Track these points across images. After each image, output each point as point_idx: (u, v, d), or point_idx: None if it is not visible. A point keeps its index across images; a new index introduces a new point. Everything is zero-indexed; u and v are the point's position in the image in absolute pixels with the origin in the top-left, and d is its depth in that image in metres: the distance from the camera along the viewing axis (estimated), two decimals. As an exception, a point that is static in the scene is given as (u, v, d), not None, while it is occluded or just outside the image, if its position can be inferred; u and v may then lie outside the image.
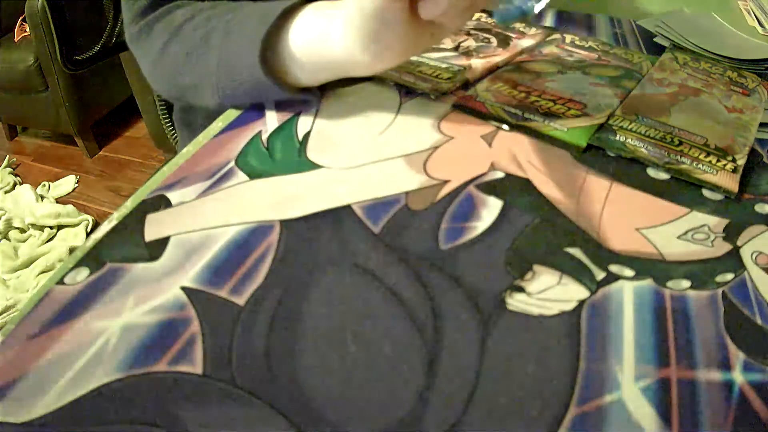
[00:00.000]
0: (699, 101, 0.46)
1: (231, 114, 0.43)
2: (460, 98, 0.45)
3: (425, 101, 0.45)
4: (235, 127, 0.42)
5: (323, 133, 0.41)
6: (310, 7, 0.39)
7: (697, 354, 0.28)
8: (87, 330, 0.28)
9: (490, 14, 0.61)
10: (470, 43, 0.54)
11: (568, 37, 0.57)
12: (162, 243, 0.32)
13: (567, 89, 0.47)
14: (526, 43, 0.55)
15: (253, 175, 0.37)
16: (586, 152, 0.40)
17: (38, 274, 1.45)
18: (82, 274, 0.30)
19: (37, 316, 0.28)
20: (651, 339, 0.28)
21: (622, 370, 0.27)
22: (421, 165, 0.38)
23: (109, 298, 0.29)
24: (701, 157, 0.40)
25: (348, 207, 0.35)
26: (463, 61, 0.50)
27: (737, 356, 0.28)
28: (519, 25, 0.59)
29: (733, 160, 0.40)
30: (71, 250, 1.50)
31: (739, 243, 0.34)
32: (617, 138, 0.41)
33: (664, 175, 0.38)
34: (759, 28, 0.63)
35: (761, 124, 0.44)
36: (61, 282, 0.30)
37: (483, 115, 0.43)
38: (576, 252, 0.33)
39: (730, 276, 0.32)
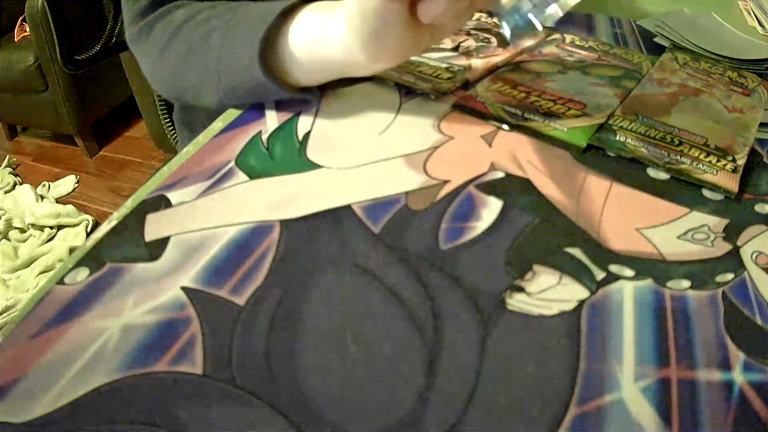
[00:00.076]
0: (699, 101, 0.46)
1: (231, 114, 0.43)
2: (460, 98, 0.45)
3: (425, 101, 0.45)
4: (235, 127, 0.42)
5: (323, 133, 0.41)
6: (309, 7, 0.39)
7: (697, 354, 0.28)
8: (87, 330, 0.28)
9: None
10: (470, 43, 0.54)
11: (568, 37, 0.57)
12: (162, 243, 0.32)
13: (567, 89, 0.47)
14: (526, 43, 0.55)
15: (253, 175, 0.37)
16: (586, 152, 0.40)
17: (38, 274, 1.45)
18: (82, 274, 0.30)
19: (37, 316, 0.28)
20: (651, 339, 0.28)
21: (622, 370, 0.27)
22: (421, 165, 0.38)
23: (109, 298, 0.29)
24: (701, 157, 0.40)
25: (348, 207, 0.35)
26: (463, 61, 0.50)
27: (737, 356, 0.28)
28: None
29: (733, 160, 0.40)
30: (71, 250, 1.50)
31: (739, 243, 0.34)
32: (617, 138, 0.41)
33: (664, 175, 0.38)
34: (759, 28, 0.63)
35: (761, 124, 0.44)
36: (61, 282, 0.30)
37: (483, 115, 0.43)
38: (576, 252, 0.33)
39: (730, 276, 0.32)
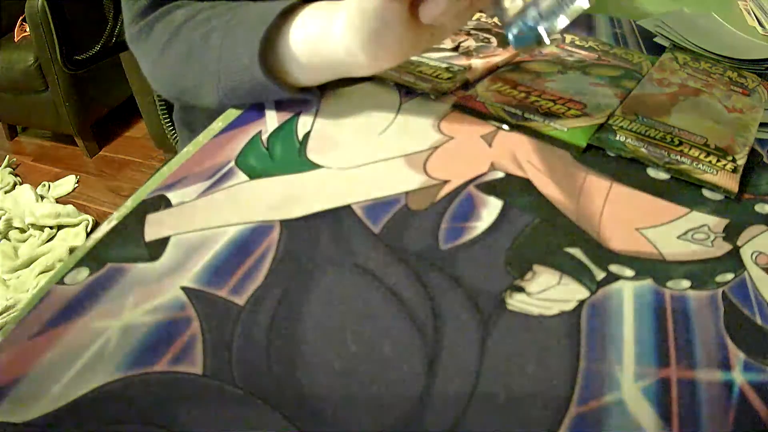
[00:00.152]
0: (699, 101, 0.46)
1: (231, 114, 0.43)
2: (460, 98, 0.45)
3: (425, 101, 0.45)
4: (235, 127, 0.42)
5: (323, 133, 0.41)
6: (309, 7, 0.39)
7: (697, 354, 0.28)
8: (87, 330, 0.28)
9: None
10: (470, 43, 0.54)
11: (568, 37, 0.57)
12: (162, 243, 0.32)
13: (567, 89, 0.47)
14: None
15: (253, 175, 0.37)
16: (586, 152, 0.40)
17: (38, 274, 1.45)
18: (82, 274, 0.30)
19: (37, 316, 0.28)
20: (651, 339, 0.28)
21: (622, 370, 0.27)
22: (421, 165, 0.38)
23: (109, 298, 0.29)
24: (701, 157, 0.40)
25: (348, 207, 0.35)
26: (463, 61, 0.50)
27: (737, 356, 0.28)
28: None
29: (733, 160, 0.40)
30: (71, 250, 1.50)
31: (739, 243, 0.34)
32: (617, 138, 0.41)
33: (664, 175, 0.38)
34: (759, 28, 0.63)
35: (761, 124, 0.44)
36: (61, 282, 0.30)
37: (483, 115, 0.43)
38: (576, 252, 0.33)
39: (730, 276, 0.32)
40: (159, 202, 0.35)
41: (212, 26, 0.42)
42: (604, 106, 0.45)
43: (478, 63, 0.50)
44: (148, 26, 0.45)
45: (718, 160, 0.39)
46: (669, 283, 0.31)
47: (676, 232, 0.34)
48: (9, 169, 1.86)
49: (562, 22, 0.30)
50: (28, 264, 1.49)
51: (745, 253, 0.33)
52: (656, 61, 0.52)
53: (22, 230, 1.59)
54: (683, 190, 0.37)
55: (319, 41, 0.38)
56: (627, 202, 0.36)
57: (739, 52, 0.55)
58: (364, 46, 0.36)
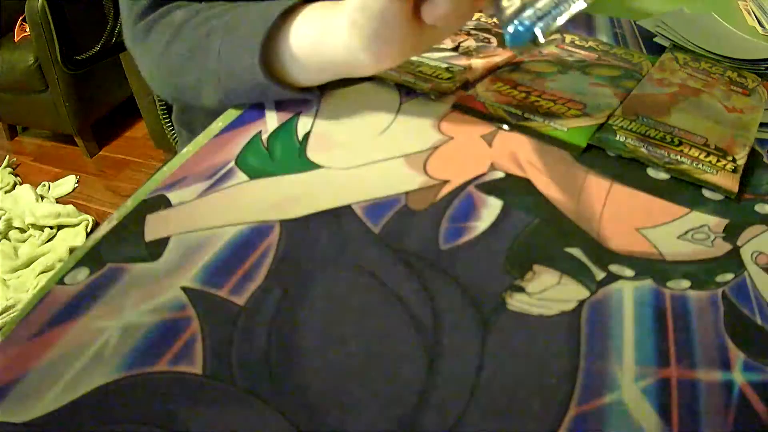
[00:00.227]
0: (699, 101, 0.46)
1: (231, 114, 0.43)
2: (460, 98, 0.45)
3: (425, 101, 0.45)
4: (235, 127, 0.42)
5: (323, 133, 0.41)
6: (310, 7, 0.39)
7: (697, 354, 0.28)
8: (87, 330, 0.28)
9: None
10: (470, 43, 0.54)
11: (568, 37, 0.57)
12: (162, 243, 0.32)
13: (567, 89, 0.47)
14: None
15: (253, 175, 0.37)
16: (586, 152, 0.40)
17: (38, 274, 1.45)
18: (82, 274, 0.30)
19: (37, 316, 0.28)
20: (651, 339, 0.28)
21: (622, 370, 0.27)
22: (421, 165, 0.38)
23: (109, 298, 0.29)
24: (701, 157, 0.40)
25: (348, 207, 0.35)
26: (463, 61, 0.50)
27: (737, 356, 0.28)
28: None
29: (733, 160, 0.40)
30: (71, 250, 1.50)
31: (739, 243, 0.34)
32: (617, 138, 0.41)
33: (664, 175, 0.38)
34: (759, 28, 0.63)
35: (761, 124, 0.44)
36: (61, 282, 0.30)
37: (483, 115, 0.43)
38: (576, 252, 0.33)
39: (730, 276, 0.32)
40: (159, 202, 0.35)
41: (212, 27, 0.42)
42: (604, 106, 0.45)
43: (478, 63, 0.50)
44: (148, 27, 0.45)
45: (718, 160, 0.39)
46: (669, 283, 0.31)
47: (676, 232, 0.34)
48: (9, 169, 1.86)
49: (559, 21, 0.30)
50: (28, 264, 1.49)
51: (745, 253, 0.33)
52: (656, 61, 0.52)
53: (22, 230, 1.59)
54: (683, 190, 0.37)
55: (319, 41, 0.38)
56: (627, 202, 0.36)
57: (739, 52, 0.55)
58: (366, 46, 0.36)
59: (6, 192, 1.74)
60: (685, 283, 0.31)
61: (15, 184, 1.79)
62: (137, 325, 0.28)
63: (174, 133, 0.77)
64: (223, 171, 0.37)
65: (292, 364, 0.27)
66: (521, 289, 0.30)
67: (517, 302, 0.30)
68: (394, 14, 0.34)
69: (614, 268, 0.32)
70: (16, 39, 1.78)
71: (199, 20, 0.43)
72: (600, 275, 0.31)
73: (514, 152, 0.40)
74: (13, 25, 1.80)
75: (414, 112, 0.44)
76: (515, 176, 0.38)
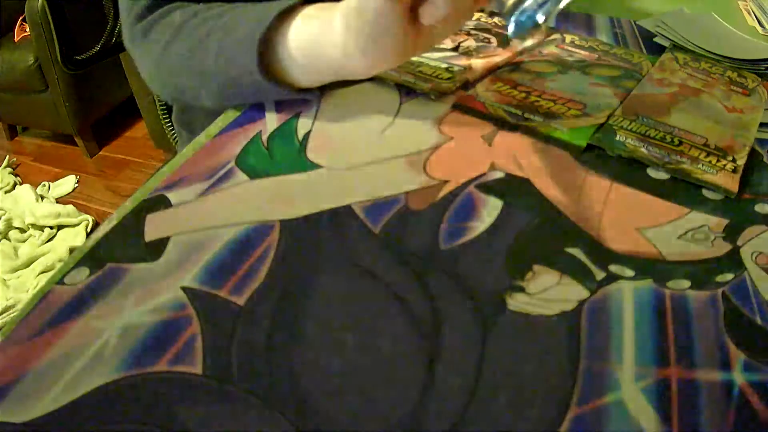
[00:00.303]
0: (699, 101, 0.46)
1: (231, 114, 0.43)
2: (460, 98, 0.45)
3: (425, 101, 0.45)
4: (235, 127, 0.42)
5: (323, 133, 0.41)
6: (308, 9, 0.39)
7: (697, 354, 0.28)
8: (87, 330, 0.28)
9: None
10: (470, 43, 0.54)
11: (568, 37, 0.57)
12: (162, 243, 0.32)
13: (567, 89, 0.47)
14: (526, 43, 0.55)
15: (253, 175, 0.37)
16: (586, 152, 0.40)
17: (38, 274, 1.45)
18: (82, 274, 0.30)
19: (37, 316, 0.28)
20: (651, 339, 0.28)
21: (622, 370, 0.27)
22: (421, 165, 0.38)
23: (109, 298, 0.29)
24: (701, 157, 0.40)
25: (348, 207, 0.35)
26: (463, 61, 0.50)
27: (737, 356, 0.28)
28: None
29: (733, 160, 0.40)
30: (71, 250, 1.50)
31: (739, 243, 0.34)
32: (617, 138, 0.41)
33: (664, 175, 0.38)
34: (759, 28, 0.63)
35: (761, 124, 0.44)
36: (61, 282, 0.30)
37: (483, 115, 0.43)
38: (576, 252, 0.33)
39: (730, 276, 0.32)
40: (159, 202, 0.35)
41: (211, 27, 0.42)
42: (604, 106, 0.45)
43: (478, 63, 0.50)
44: (147, 28, 0.45)
45: (718, 160, 0.39)
46: (669, 283, 0.31)
47: (676, 232, 0.34)
48: (9, 169, 1.86)
49: (561, 5, 0.31)
50: (28, 264, 1.49)
51: (745, 253, 0.33)
52: (656, 61, 0.52)
53: (22, 230, 1.59)
54: (683, 190, 0.37)
55: (317, 43, 0.38)
56: (627, 202, 0.36)
57: (739, 52, 0.55)
58: (363, 48, 0.36)
59: (6, 192, 1.74)
60: (685, 283, 0.31)
61: (15, 184, 1.79)
62: (137, 325, 0.28)
63: (174, 133, 0.77)
64: (223, 171, 0.37)
65: (292, 364, 0.27)
66: (521, 289, 0.30)
67: (517, 302, 0.30)
68: (390, 16, 0.34)
69: (614, 268, 0.32)
70: (16, 39, 1.78)
71: (198, 21, 0.43)
72: (600, 275, 0.31)
73: (514, 152, 0.40)
74: (13, 25, 1.80)
75: (414, 112, 0.44)
76: (515, 176, 0.38)
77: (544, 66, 0.51)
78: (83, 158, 1.92)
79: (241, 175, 0.37)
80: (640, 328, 0.29)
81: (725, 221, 0.35)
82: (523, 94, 0.46)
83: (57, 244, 1.54)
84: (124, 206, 0.35)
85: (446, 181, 0.37)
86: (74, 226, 1.60)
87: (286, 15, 0.39)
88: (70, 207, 1.64)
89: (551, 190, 0.37)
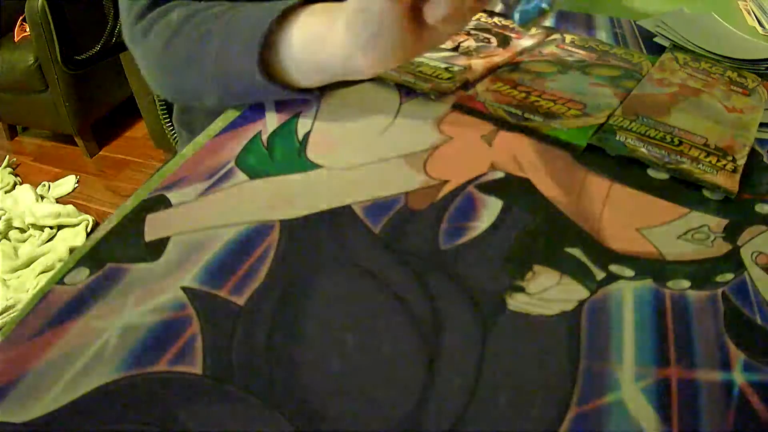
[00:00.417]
0: (699, 101, 0.46)
1: (231, 114, 0.43)
2: (460, 98, 0.45)
3: (425, 101, 0.45)
4: (235, 127, 0.42)
5: (323, 133, 0.41)
6: (310, 9, 0.39)
7: (697, 354, 0.28)
8: (87, 330, 0.28)
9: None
10: (470, 43, 0.54)
11: (568, 37, 0.57)
12: (162, 243, 0.32)
13: (567, 89, 0.47)
14: (526, 43, 0.55)
15: (253, 175, 0.37)
16: (586, 152, 0.40)
17: (38, 274, 1.45)
18: (82, 274, 0.30)
19: (37, 316, 0.28)
20: (651, 339, 0.28)
21: (622, 370, 0.27)
22: (421, 165, 0.38)
23: (109, 298, 0.29)
24: (701, 157, 0.40)
25: (348, 207, 0.35)
26: (463, 61, 0.50)
27: (737, 356, 0.28)
28: (519, 25, 0.59)
29: (733, 160, 0.40)
30: (71, 250, 1.50)
31: (739, 243, 0.34)
32: (617, 138, 0.41)
33: (664, 175, 0.38)
34: (759, 28, 0.63)
35: (761, 124, 0.44)
36: (61, 282, 0.30)
37: (483, 115, 0.43)
38: (576, 252, 0.33)
39: (730, 276, 0.32)
40: (159, 202, 0.35)
41: (211, 27, 0.42)
42: (604, 106, 0.45)
43: (478, 63, 0.50)
44: (147, 27, 0.45)
45: (718, 160, 0.39)
46: (669, 283, 0.31)
47: (676, 232, 0.34)
48: (9, 169, 1.86)
49: None
50: (28, 264, 1.49)
51: (745, 253, 0.33)
52: (656, 61, 0.52)
53: (22, 230, 1.59)
54: (683, 190, 0.37)
55: (318, 43, 0.38)
56: (627, 202, 0.36)
57: (739, 52, 0.55)
58: (364, 48, 0.36)
59: (6, 192, 1.74)
60: (685, 283, 0.31)
61: (15, 184, 1.79)
62: (137, 325, 0.28)
63: (174, 133, 0.77)
64: (223, 171, 0.37)
65: (292, 364, 0.27)
66: (521, 289, 0.30)
67: (517, 302, 0.30)
68: (393, 16, 0.34)
69: (614, 268, 0.32)
70: (16, 39, 1.78)
71: (198, 20, 0.43)
72: (600, 275, 0.31)
73: (514, 152, 0.40)
74: (13, 25, 1.80)
75: (414, 112, 0.44)
76: (515, 176, 0.38)
77: (544, 66, 0.51)
78: (83, 158, 1.92)
79: (241, 175, 0.37)
80: (640, 328, 0.29)
81: (725, 221, 0.35)
82: (523, 94, 0.46)
83: (57, 244, 1.54)
84: (124, 206, 0.35)
85: (446, 181, 0.37)
86: (74, 226, 1.60)
87: (287, 15, 0.39)
88: (70, 207, 1.64)
89: (551, 190, 0.37)
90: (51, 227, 1.58)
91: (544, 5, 0.32)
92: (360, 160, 0.39)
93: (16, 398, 0.25)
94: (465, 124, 0.43)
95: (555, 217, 0.35)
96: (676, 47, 0.56)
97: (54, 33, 0.87)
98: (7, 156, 1.93)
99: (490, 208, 0.35)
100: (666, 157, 0.39)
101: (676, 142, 0.41)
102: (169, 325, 0.28)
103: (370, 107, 0.44)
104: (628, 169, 0.39)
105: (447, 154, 0.40)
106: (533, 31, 0.57)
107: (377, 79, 0.47)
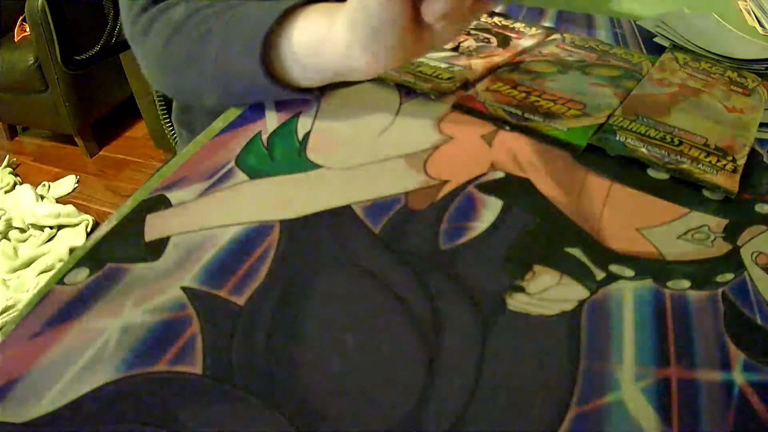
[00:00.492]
0: (699, 101, 0.47)
1: (231, 114, 0.43)
2: (460, 98, 0.45)
3: (425, 101, 0.45)
4: (235, 127, 0.42)
5: (323, 133, 0.41)
6: (311, 9, 0.39)
7: (697, 354, 0.28)
8: (87, 330, 0.28)
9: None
10: (470, 43, 0.54)
11: (568, 37, 0.57)
12: (162, 243, 0.32)
13: (567, 89, 0.47)
14: (526, 43, 0.55)
15: (253, 175, 0.37)
16: (586, 152, 0.40)
17: (38, 274, 1.45)
18: (82, 274, 0.30)
19: (37, 316, 0.28)
20: (651, 339, 0.28)
21: (622, 370, 0.27)
22: (421, 165, 0.38)
23: (109, 298, 0.29)
24: (701, 157, 0.40)
25: (348, 207, 0.35)
26: (463, 61, 0.50)
27: (737, 356, 0.28)
28: (519, 25, 0.59)
29: (733, 160, 0.40)
30: (71, 250, 1.50)
31: (739, 243, 0.34)
32: (617, 138, 0.41)
33: (664, 175, 0.38)
34: (759, 28, 0.63)
35: (761, 124, 0.44)
36: (61, 282, 0.30)
37: (483, 115, 0.43)
38: (576, 252, 0.33)
39: (730, 276, 0.32)
40: (159, 202, 0.35)
41: (212, 25, 0.42)
42: (604, 106, 0.45)
43: (478, 63, 0.50)
44: (147, 26, 0.45)
45: (718, 160, 0.39)
46: (669, 283, 0.31)
47: (676, 232, 0.34)
48: (9, 169, 1.86)
49: None
50: (28, 264, 1.49)
51: (745, 253, 0.33)
52: (656, 61, 0.52)
53: (22, 230, 1.59)
54: (683, 190, 0.37)
55: (319, 42, 0.38)
56: (627, 202, 0.36)
57: (739, 52, 0.55)
58: (365, 47, 0.36)
59: (6, 192, 1.74)
60: (685, 283, 0.31)
61: (15, 184, 1.79)
62: (137, 325, 0.28)
63: (174, 133, 0.77)
64: (223, 171, 0.37)
65: (292, 364, 0.27)
66: (521, 289, 0.30)
67: (517, 302, 0.30)
68: (394, 15, 0.33)
69: (614, 268, 0.32)
70: (16, 39, 1.78)
71: (198, 19, 0.43)
72: (600, 275, 0.31)
73: (514, 152, 0.40)
74: (13, 25, 1.80)
75: (414, 112, 0.44)
76: (515, 176, 0.38)
77: (544, 66, 0.51)
78: (83, 158, 1.92)
79: (241, 175, 0.37)
80: (640, 328, 0.29)
81: (725, 221, 0.35)
82: (523, 94, 0.46)
83: (57, 244, 1.54)
84: (124, 206, 0.35)
85: (446, 181, 0.37)
86: (74, 226, 1.60)
87: (288, 15, 0.39)
88: (70, 207, 1.64)
89: (551, 190, 0.37)
90: (51, 227, 1.58)
91: None
92: (360, 160, 0.39)
93: (16, 398, 0.25)
94: (465, 124, 0.43)
95: (555, 217, 0.35)
96: (676, 47, 0.56)
97: (54, 33, 0.87)
98: (7, 156, 1.93)
99: (490, 208, 0.35)
100: (666, 157, 0.39)
101: (676, 142, 0.41)
102: (169, 325, 0.28)
103: (370, 107, 0.44)
104: (628, 169, 0.39)
105: (447, 154, 0.40)
106: (533, 31, 0.57)
107: (377, 79, 0.47)
